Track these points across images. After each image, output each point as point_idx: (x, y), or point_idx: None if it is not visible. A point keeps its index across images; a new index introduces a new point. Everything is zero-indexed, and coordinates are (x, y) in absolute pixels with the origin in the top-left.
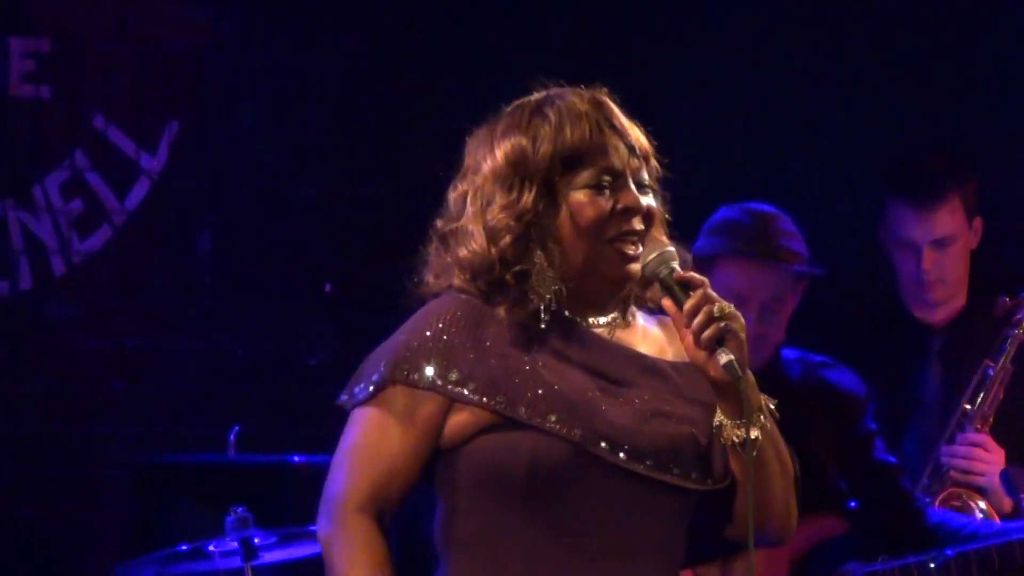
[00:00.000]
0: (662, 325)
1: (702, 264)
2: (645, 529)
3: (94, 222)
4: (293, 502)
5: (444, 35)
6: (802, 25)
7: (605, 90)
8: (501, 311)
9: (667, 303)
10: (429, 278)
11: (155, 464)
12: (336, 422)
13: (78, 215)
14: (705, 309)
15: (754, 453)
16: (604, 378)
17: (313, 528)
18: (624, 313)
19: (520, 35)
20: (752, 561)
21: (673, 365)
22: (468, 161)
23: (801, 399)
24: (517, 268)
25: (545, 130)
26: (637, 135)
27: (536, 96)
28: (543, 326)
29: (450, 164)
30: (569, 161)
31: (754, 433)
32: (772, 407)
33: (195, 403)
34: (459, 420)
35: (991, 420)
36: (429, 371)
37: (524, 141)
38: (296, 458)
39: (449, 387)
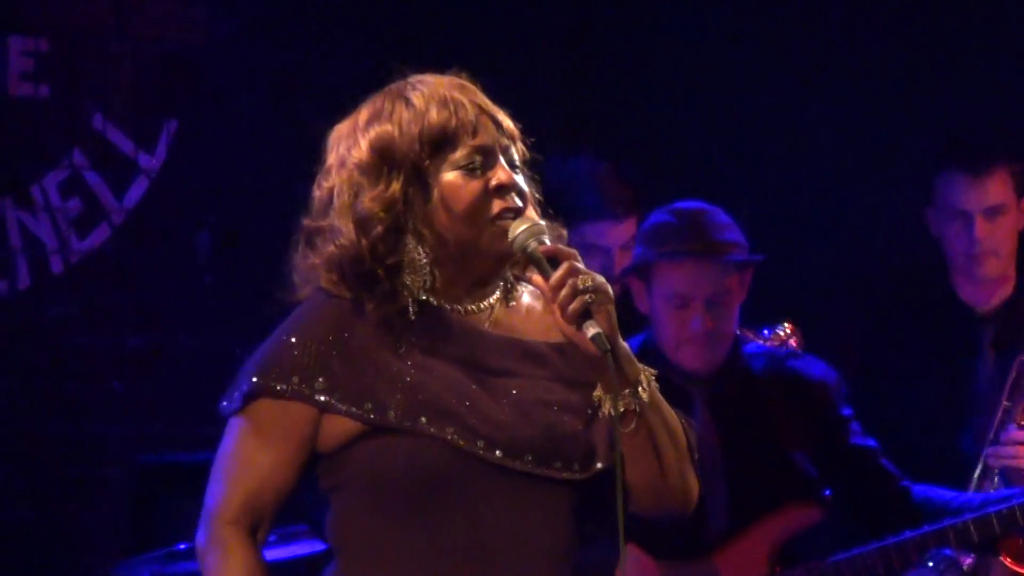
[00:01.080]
0: (537, 304)
1: (642, 273)
2: (530, 526)
3: (93, 221)
4: (290, 501)
5: (444, 34)
6: (824, 13)
7: (465, 74)
8: (369, 309)
9: (537, 279)
10: (299, 281)
11: (154, 463)
12: None
13: (77, 214)
14: (570, 282)
15: (632, 425)
16: (479, 370)
17: (312, 526)
18: (505, 294)
19: (521, 34)
20: (623, 539)
21: (556, 346)
22: (331, 157)
23: (767, 391)
24: (389, 261)
25: (409, 115)
26: (504, 116)
27: (396, 83)
28: (413, 319)
29: None
30: (437, 144)
31: (628, 405)
32: (653, 376)
33: (194, 402)
34: (332, 427)
35: None
36: (295, 380)
37: (389, 128)
38: None
39: (316, 396)
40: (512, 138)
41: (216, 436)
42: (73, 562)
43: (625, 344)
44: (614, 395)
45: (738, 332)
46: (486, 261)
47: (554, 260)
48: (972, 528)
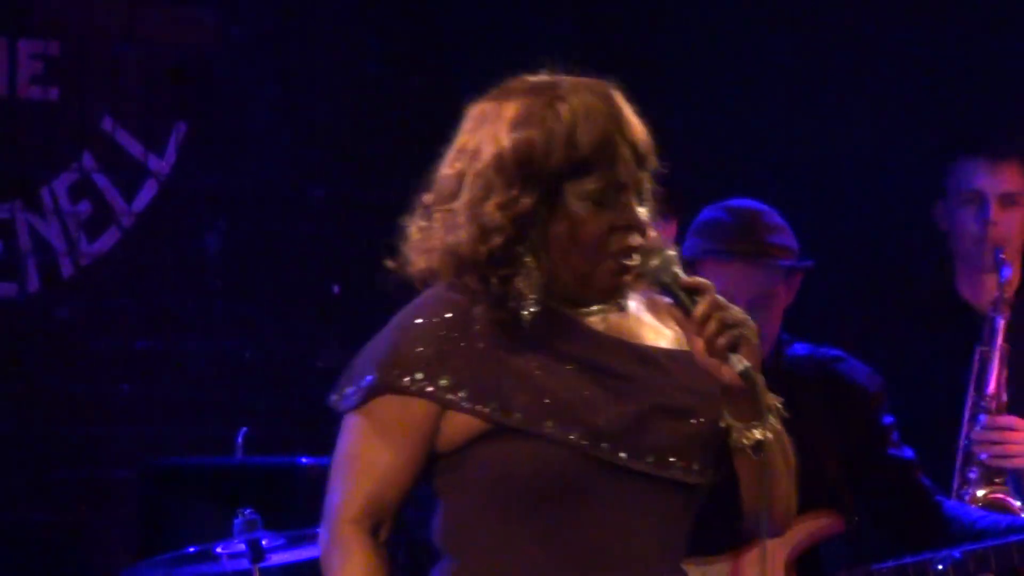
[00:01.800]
0: (653, 307)
1: (688, 266)
2: (649, 528)
3: (102, 224)
4: (301, 504)
5: (453, 38)
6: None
7: (615, 85)
8: (480, 310)
9: (675, 312)
10: (413, 257)
11: (163, 466)
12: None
13: (86, 217)
14: (716, 316)
15: (758, 456)
16: (600, 373)
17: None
18: (617, 300)
19: (530, 38)
20: (765, 558)
21: (668, 353)
22: (467, 138)
23: (808, 395)
24: (503, 271)
25: (558, 132)
26: (643, 136)
27: (547, 81)
28: (525, 325)
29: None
30: (577, 169)
31: (765, 436)
32: (780, 406)
33: (203, 405)
34: (454, 426)
35: (1005, 401)
36: (419, 376)
37: (536, 139)
38: (304, 460)
39: (440, 394)
40: (647, 159)
41: (223, 438)
42: (82, 565)
43: (761, 376)
44: (745, 426)
45: (784, 335)
46: (592, 292)
47: (691, 291)
48: (992, 556)
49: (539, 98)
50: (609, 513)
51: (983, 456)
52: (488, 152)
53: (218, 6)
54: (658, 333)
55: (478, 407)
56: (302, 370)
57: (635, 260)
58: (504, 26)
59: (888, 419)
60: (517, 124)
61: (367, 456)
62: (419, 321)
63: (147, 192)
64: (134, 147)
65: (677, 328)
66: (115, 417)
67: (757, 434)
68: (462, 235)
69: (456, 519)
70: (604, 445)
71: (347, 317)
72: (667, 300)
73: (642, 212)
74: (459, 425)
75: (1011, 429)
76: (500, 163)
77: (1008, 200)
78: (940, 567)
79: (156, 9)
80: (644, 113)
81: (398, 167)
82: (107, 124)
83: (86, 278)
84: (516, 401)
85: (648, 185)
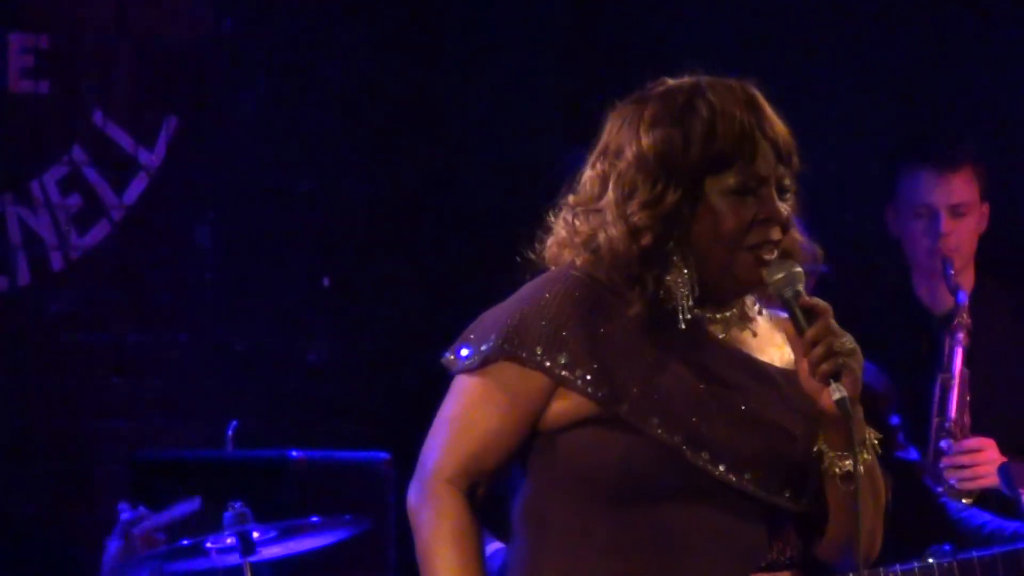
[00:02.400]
0: (772, 322)
1: None
2: (730, 540)
3: (92, 217)
4: (291, 497)
5: (444, 31)
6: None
7: (755, 84)
8: (632, 304)
9: (788, 327)
10: (553, 249)
11: (153, 459)
12: (334, 417)
13: (76, 210)
14: (826, 341)
15: (848, 487)
16: (712, 379)
17: (312, 520)
18: (742, 310)
19: (521, 31)
20: None
21: (782, 372)
22: (609, 139)
23: None
24: (656, 270)
25: (697, 127)
26: (784, 134)
27: (686, 82)
28: (682, 327)
29: (449, 159)
30: (717, 163)
31: (848, 468)
32: (876, 442)
33: (193, 398)
34: (562, 405)
35: (969, 424)
36: (539, 350)
37: (675, 135)
38: (294, 453)
39: (557, 370)
40: (790, 156)
41: (214, 431)
42: (73, 558)
43: (860, 408)
44: (837, 455)
45: None
46: (735, 286)
47: (808, 311)
48: (1000, 562)
49: (677, 97)
50: (692, 520)
51: (952, 481)
52: (629, 152)
53: (209, 0)
54: (774, 349)
55: (590, 389)
56: (292, 363)
57: (774, 254)
58: (495, 19)
59: (895, 420)
60: (656, 122)
61: (474, 418)
62: (547, 296)
63: (137, 185)
64: (124, 140)
65: (789, 346)
66: (106, 410)
67: (848, 464)
68: (613, 234)
69: (540, 500)
70: (704, 454)
71: (337, 310)
72: (784, 316)
73: (783, 207)
74: (568, 405)
75: (978, 451)
76: (642, 161)
77: (957, 211)
78: (945, 562)
79: (147, 3)
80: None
81: (388, 161)
82: (97, 118)
83: (76, 271)
84: (628, 392)
85: (789, 183)
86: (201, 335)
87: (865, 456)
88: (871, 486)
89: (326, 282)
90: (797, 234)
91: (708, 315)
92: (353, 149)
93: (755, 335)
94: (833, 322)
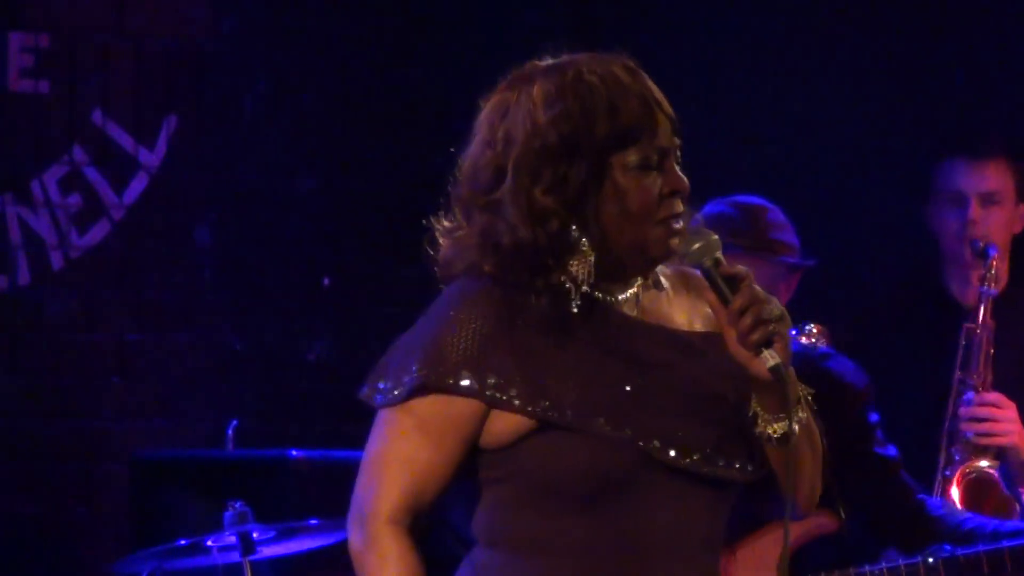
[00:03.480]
0: (684, 282)
1: None
2: (693, 522)
3: (92, 217)
4: (291, 497)
5: (443, 30)
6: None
7: (632, 59)
8: (533, 299)
9: (708, 295)
10: (449, 254)
11: (153, 459)
12: (334, 416)
13: (76, 210)
14: (753, 309)
15: (786, 445)
16: (640, 362)
17: (312, 522)
18: (646, 283)
19: (521, 31)
20: (787, 547)
21: (702, 336)
22: (492, 128)
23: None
24: (562, 257)
25: (599, 103)
26: (668, 105)
27: (564, 60)
28: (575, 311)
29: (449, 158)
30: (622, 139)
31: (785, 429)
32: (808, 395)
33: (193, 398)
34: (500, 425)
35: (991, 379)
36: (465, 376)
37: (575, 113)
38: (294, 452)
39: (488, 393)
40: (680, 136)
41: (214, 431)
42: (73, 558)
43: (792, 369)
44: (772, 417)
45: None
46: (646, 261)
47: (730, 279)
48: (984, 561)
49: (564, 75)
50: (655, 508)
51: (968, 434)
52: (523, 136)
53: (209, 0)
54: (692, 314)
55: (529, 407)
56: (292, 363)
57: (681, 225)
58: (495, 19)
59: (874, 417)
60: (551, 102)
61: (407, 453)
62: (460, 316)
63: (137, 185)
64: (125, 140)
65: (709, 308)
66: (105, 410)
67: (781, 427)
68: (515, 228)
69: (501, 512)
70: (655, 443)
71: (337, 310)
72: (687, 269)
73: (684, 178)
74: (508, 423)
75: (998, 406)
76: (542, 142)
77: (989, 199)
78: (931, 560)
79: (147, 2)
80: None
81: (388, 160)
82: (97, 117)
83: (76, 271)
84: (567, 398)
85: (679, 155)
86: (201, 334)
87: (800, 414)
88: (808, 439)
89: (326, 282)
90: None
91: (616, 297)
92: (353, 149)
93: (667, 302)
94: (757, 288)
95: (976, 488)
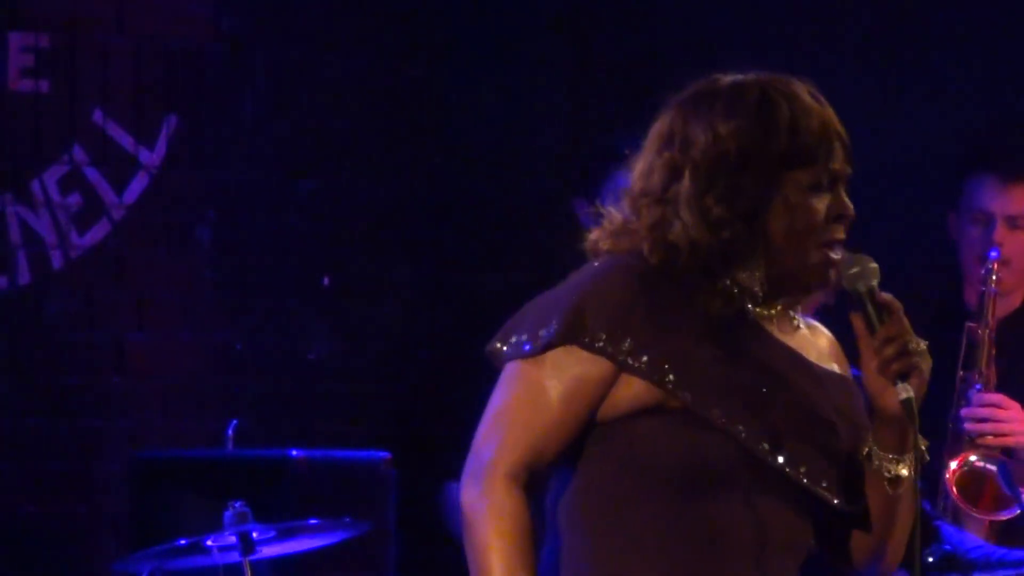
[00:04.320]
0: (811, 329)
1: None
2: (784, 532)
3: (92, 217)
4: (291, 496)
5: (444, 30)
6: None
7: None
8: (704, 297)
9: (856, 319)
10: (607, 237)
11: (153, 458)
12: (334, 416)
13: (76, 210)
14: (899, 340)
15: (899, 490)
16: (771, 374)
17: (312, 522)
18: (785, 308)
19: (522, 31)
20: None
21: (829, 374)
22: (674, 129)
23: None
24: (732, 264)
25: (781, 121)
26: (844, 131)
27: (751, 77)
28: (752, 320)
29: (450, 159)
30: (799, 158)
31: (897, 471)
32: (924, 448)
33: (193, 397)
34: (623, 393)
35: (994, 379)
36: (603, 335)
37: (757, 128)
38: (294, 452)
39: (621, 356)
40: (852, 162)
41: (214, 430)
42: (73, 557)
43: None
44: (888, 457)
45: None
46: (803, 282)
47: (881, 308)
48: None
49: (748, 90)
50: (746, 513)
51: (973, 434)
52: (705, 142)
53: (209, 0)
54: (819, 354)
55: (656, 376)
56: (293, 362)
57: (838, 256)
58: (495, 19)
59: None
60: (733, 114)
61: (536, 409)
62: (606, 282)
63: (138, 185)
64: (125, 140)
65: (834, 356)
66: (106, 410)
67: (899, 468)
68: (688, 231)
69: (593, 495)
70: (765, 445)
71: (337, 309)
72: (818, 326)
73: (850, 205)
74: (629, 392)
75: (1000, 406)
76: (721, 152)
77: (1014, 222)
78: (931, 559)
79: (147, 1)
80: (630, 111)
81: (388, 161)
82: (98, 117)
83: (76, 271)
84: (692, 380)
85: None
86: (201, 334)
87: (914, 462)
88: (910, 498)
89: (326, 282)
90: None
91: (759, 310)
92: (353, 149)
93: (801, 334)
94: (906, 320)
95: (974, 482)
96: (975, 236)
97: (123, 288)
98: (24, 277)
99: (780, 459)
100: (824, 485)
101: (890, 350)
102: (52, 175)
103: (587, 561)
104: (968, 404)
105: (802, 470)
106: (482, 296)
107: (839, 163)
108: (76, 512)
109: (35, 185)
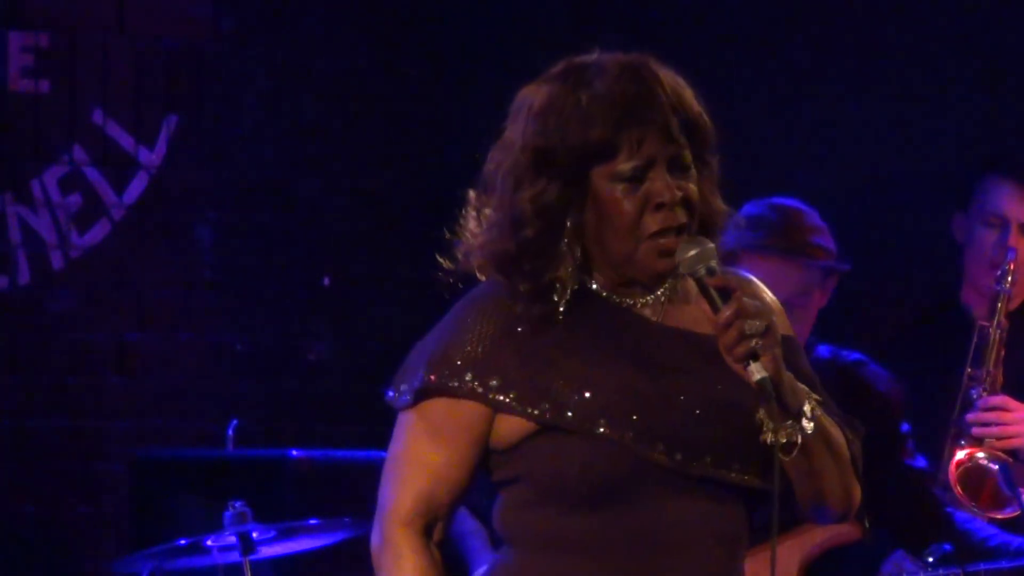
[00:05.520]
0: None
1: (726, 259)
2: (705, 524)
3: (93, 216)
4: (291, 496)
5: (443, 29)
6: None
7: (652, 58)
8: (518, 305)
9: (702, 304)
10: (458, 254)
11: (153, 458)
12: (334, 416)
13: (76, 210)
14: (737, 324)
15: (793, 454)
16: (649, 365)
17: (312, 522)
18: (672, 287)
19: (522, 31)
20: (774, 560)
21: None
22: (509, 124)
23: (833, 399)
24: (537, 262)
25: (574, 115)
26: (683, 103)
27: (578, 64)
28: (562, 317)
29: (449, 158)
30: (599, 151)
31: (790, 437)
32: (817, 403)
33: (193, 397)
34: (506, 426)
35: (1001, 380)
36: (469, 377)
37: (551, 125)
38: (294, 452)
39: (490, 395)
40: (693, 126)
41: (214, 431)
42: (73, 557)
43: (789, 375)
44: (776, 427)
45: (810, 337)
46: (644, 274)
47: (721, 291)
48: None
49: (564, 85)
50: (664, 510)
51: (976, 432)
52: (518, 142)
53: (209, 0)
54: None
55: (529, 409)
56: (293, 362)
57: (677, 239)
58: (496, 17)
59: (905, 427)
60: (538, 113)
61: (418, 456)
62: (469, 319)
63: (138, 185)
64: (125, 140)
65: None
66: (106, 410)
67: (785, 435)
68: (495, 231)
69: (513, 511)
70: (660, 446)
71: (337, 309)
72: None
73: (686, 186)
74: (512, 424)
75: (1005, 408)
76: (526, 153)
77: None
78: (931, 559)
79: (147, 2)
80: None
81: (388, 160)
82: (98, 117)
83: (77, 270)
84: (569, 400)
85: (688, 158)
86: (201, 334)
87: (806, 424)
88: (825, 445)
89: (326, 282)
90: (719, 204)
91: (637, 301)
92: (353, 149)
93: (693, 307)
94: (746, 301)
95: (976, 478)
96: (987, 239)
97: (123, 288)
98: (24, 277)
99: (679, 456)
100: (735, 468)
101: (731, 335)
102: (52, 175)
103: (519, 573)
104: (972, 404)
105: (708, 460)
106: None
107: (654, 149)
108: (76, 511)
109: (35, 185)
